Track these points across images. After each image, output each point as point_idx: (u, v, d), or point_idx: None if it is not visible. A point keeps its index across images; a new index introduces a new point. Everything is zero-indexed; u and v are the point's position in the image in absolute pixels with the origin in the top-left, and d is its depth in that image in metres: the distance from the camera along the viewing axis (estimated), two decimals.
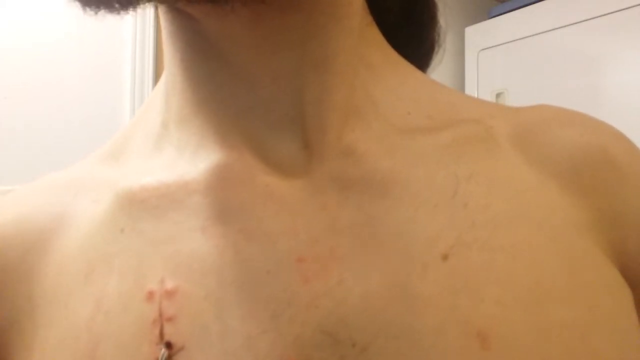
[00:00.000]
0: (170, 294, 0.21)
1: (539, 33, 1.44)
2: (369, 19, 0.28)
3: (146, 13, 1.16)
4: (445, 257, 0.21)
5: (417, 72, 0.29)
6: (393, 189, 0.23)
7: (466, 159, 0.24)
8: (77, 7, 0.21)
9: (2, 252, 0.24)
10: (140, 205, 0.23)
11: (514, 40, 1.51)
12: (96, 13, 0.21)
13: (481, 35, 1.62)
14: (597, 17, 1.30)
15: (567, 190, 0.24)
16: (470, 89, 1.63)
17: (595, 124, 0.26)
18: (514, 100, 1.50)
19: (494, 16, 1.60)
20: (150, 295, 0.21)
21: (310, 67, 0.23)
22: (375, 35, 0.28)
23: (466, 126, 0.25)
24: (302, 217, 0.22)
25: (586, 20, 1.33)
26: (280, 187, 0.23)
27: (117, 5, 0.20)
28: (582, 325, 0.20)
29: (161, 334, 0.20)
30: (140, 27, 1.15)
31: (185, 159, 0.24)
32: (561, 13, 1.39)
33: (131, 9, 0.20)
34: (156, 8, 0.25)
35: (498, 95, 1.55)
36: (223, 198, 0.22)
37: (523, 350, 0.19)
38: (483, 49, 1.61)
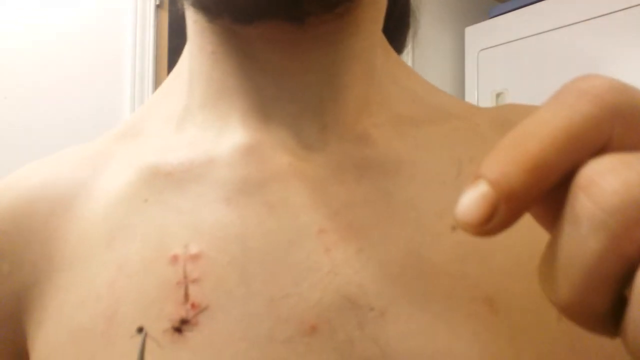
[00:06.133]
0: (194, 258, 0.22)
1: (539, 33, 1.44)
2: None
3: (146, 12, 1.16)
4: (453, 228, 0.22)
5: (412, 69, 0.31)
6: (404, 168, 0.25)
7: (465, 145, 0.26)
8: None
9: (28, 214, 0.25)
10: (165, 178, 0.24)
11: (514, 40, 1.51)
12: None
13: (481, 35, 1.62)
14: (597, 17, 1.30)
15: None
16: (470, 89, 1.63)
17: None
18: (513, 100, 1.50)
19: (494, 16, 1.60)
20: (175, 259, 0.22)
21: (339, 62, 0.25)
22: (380, 33, 0.30)
23: (457, 120, 0.28)
24: (322, 192, 0.24)
25: (586, 20, 1.33)
26: (301, 165, 0.24)
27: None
28: None
29: (186, 295, 0.21)
30: (140, 25, 1.15)
31: (209, 138, 0.26)
32: (561, 13, 1.39)
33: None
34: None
35: (498, 95, 1.54)
36: (247, 173, 0.24)
37: (526, 315, 0.21)
38: (483, 49, 1.61)
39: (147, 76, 1.15)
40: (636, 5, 1.22)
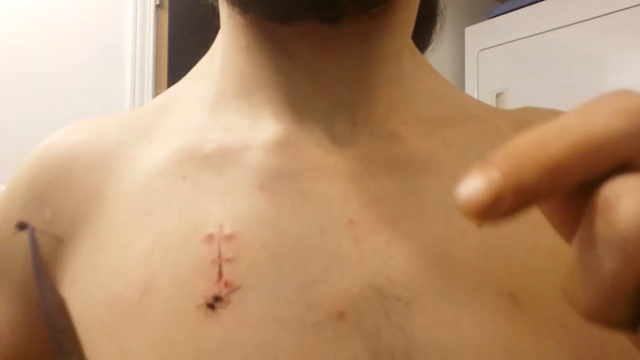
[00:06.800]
0: (229, 239, 0.23)
1: (539, 33, 1.44)
2: None
3: (146, 12, 1.16)
4: (480, 226, 0.24)
5: (434, 69, 0.32)
6: (433, 166, 0.25)
7: (489, 146, 0.27)
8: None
9: (72, 167, 0.27)
10: (202, 159, 0.25)
11: (514, 40, 1.51)
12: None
13: (481, 35, 1.62)
14: (597, 17, 1.30)
15: None
16: (470, 89, 1.63)
17: None
18: (514, 100, 1.50)
19: (494, 16, 1.60)
20: (210, 238, 0.23)
21: (371, 62, 0.26)
22: (409, 35, 0.30)
23: (480, 121, 0.29)
24: (354, 185, 0.24)
25: (586, 20, 1.33)
26: (334, 159, 0.25)
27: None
28: None
29: (220, 273, 0.22)
30: (140, 25, 1.15)
31: (244, 126, 0.27)
32: (561, 13, 1.39)
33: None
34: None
35: (498, 95, 1.54)
36: (281, 162, 0.25)
37: (549, 311, 0.22)
38: (483, 49, 1.61)
39: (147, 76, 1.15)
40: (636, 5, 1.22)
